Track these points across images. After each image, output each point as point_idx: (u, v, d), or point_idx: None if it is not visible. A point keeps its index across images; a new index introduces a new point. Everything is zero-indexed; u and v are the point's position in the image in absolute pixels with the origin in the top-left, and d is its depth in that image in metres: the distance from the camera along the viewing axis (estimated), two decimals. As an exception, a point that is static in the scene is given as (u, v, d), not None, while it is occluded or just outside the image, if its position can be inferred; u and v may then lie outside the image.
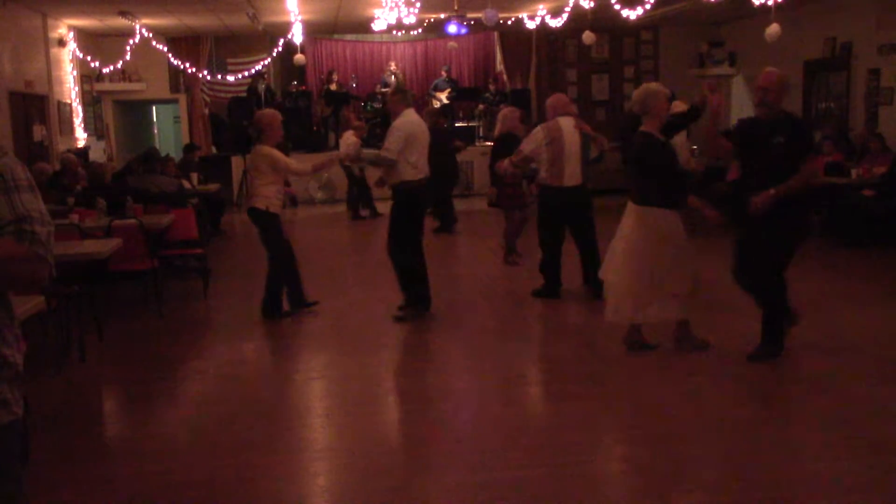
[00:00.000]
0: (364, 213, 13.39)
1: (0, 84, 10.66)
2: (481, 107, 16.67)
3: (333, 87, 16.27)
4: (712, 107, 5.64)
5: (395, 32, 15.79)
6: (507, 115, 9.24)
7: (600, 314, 6.97)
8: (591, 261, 7.33)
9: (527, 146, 7.33)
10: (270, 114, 7.14)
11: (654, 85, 5.79)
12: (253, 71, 15.92)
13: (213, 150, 16.22)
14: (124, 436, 4.92)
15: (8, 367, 2.08)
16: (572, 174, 7.16)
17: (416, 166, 6.67)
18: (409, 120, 6.73)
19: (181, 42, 15.78)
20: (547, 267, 7.54)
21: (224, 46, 16.33)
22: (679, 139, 7.25)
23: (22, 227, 1.96)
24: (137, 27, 13.71)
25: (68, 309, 5.96)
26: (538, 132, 7.27)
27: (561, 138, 7.11)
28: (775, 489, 3.86)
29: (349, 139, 12.37)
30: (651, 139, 5.53)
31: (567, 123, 7.22)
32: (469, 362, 5.94)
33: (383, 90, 16.70)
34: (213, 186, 12.09)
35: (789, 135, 5.26)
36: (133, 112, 17.60)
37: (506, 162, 7.65)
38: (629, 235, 5.60)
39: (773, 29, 9.78)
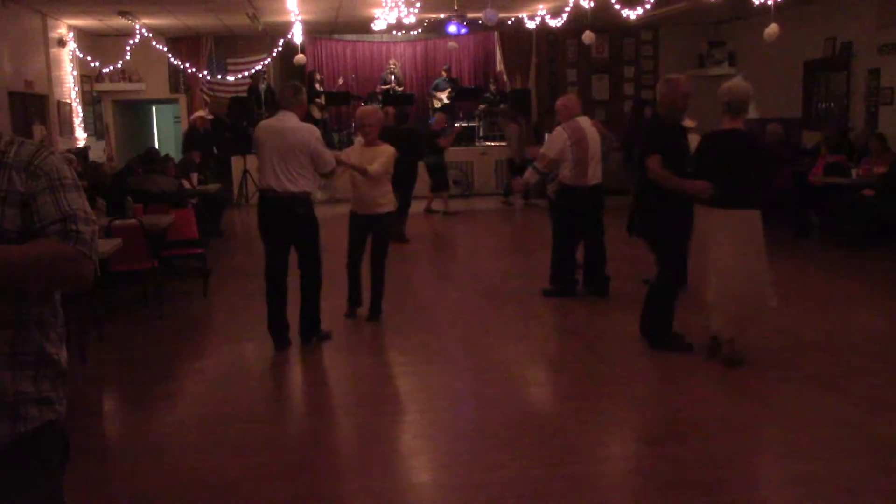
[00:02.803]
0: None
1: (0, 84, 10.66)
2: (482, 107, 16.66)
3: (317, 87, 16.24)
4: None
5: (395, 32, 15.78)
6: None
7: (601, 314, 7.02)
8: (599, 260, 7.44)
9: (551, 150, 7.20)
10: (359, 112, 6.88)
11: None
12: (253, 71, 15.92)
13: (214, 150, 16.20)
14: (124, 435, 4.92)
15: (52, 366, 2.09)
16: (595, 173, 7.21)
17: (262, 173, 6.06)
18: (261, 123, 6.32)
19: (181, 42, 15.78)
20: (565, 265, 7.53)
21: (224, 46, 16.32)
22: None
23: (67, 227, 1.96)
24: (137, 27, 13.72)
25: (68, 309, 5.95)
26: (561, 134, 7.18)
27: (585, 138, 7.12)
28: (775, 489, 3.86)
29: None
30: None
31: (587, 123, 7.29)
32: (469, 362, 5.94)
33: (383, 88, 16.70)
34: (213, 186, 12.09)
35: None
36: (133, 112, 17.61)
37: (527, 173, 7.51)
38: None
39: (772, 29, 9.78)
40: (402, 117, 11.99)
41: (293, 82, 6.46)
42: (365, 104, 16.29)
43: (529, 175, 7.52)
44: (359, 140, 7.12)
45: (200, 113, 15.05)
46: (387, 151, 6.64)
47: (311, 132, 6.02)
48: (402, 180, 11.60)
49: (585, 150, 7.10)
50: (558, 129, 7.28)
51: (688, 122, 7.19)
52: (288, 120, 6.00)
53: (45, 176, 1.99)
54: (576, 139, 7.10)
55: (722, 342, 5.50)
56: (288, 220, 6.03)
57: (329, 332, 6.42)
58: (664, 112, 5.83)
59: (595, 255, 7.49)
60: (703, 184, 5.33)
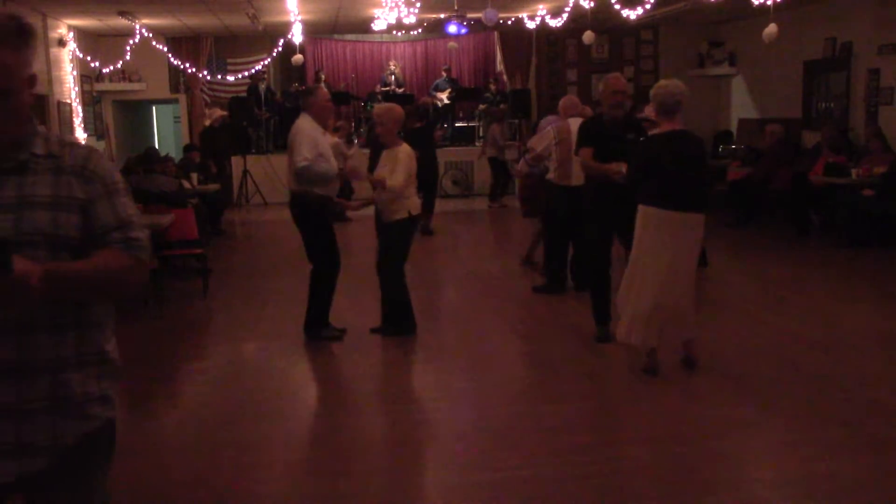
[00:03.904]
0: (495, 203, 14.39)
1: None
2: (482, 107, 16.66)
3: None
4: None
5: (395, 32, 15.78)
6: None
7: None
8: (584, 257, 7.61)
9: (537, 145, 7.62)
10: (374, 110, 6.76)
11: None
12: (253, 71, 15.92)
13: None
14: (124, 435, 4.88)
15: (110, 363, 2.10)
16: (579, 174, 7.25)
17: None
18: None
19: (181, 42, 15.78)
20: (554, 263, 7.78)
21: (224, 46, 16.32)
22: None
23: (126, 235, 1.98)
24: (137, 27, 13.71)
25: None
26: (549, 132, 7.54)
27: (569, 139, 7.26)
28: (775, 489, 3.86)
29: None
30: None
31: (576, 125, 7.32)
32: (469, 362, 5.94)
33: (383, 89, 16.69)
34: (213, 186, 12.09)
35: (637, 133, 6.04)
36: (133, 112, 17.60)
37: (521, 162, 7.93)
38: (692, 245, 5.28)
39: (771, 29, 9.76)
40: (422, 113, 11.80)
41: (311, 85, 6.70)
42: (365, 104, 16.31)
43: (521, 165, 8.20)
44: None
45: (219, 111, 15.04)
46: (403, 154, 6.21)
47: (298, 129, 6.15)
48: (423, 180, 11.46)
49: (568, 151, 7.26)
50: (549, 127, 7.65)
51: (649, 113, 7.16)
52: (297, 121, 6.31)
53: (99, 181, 1.99)
54: (560, 139, 7.35)
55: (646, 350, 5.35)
56: (292, 215, 6.36)
57: (334, 335, 6.43)
58: (602, 110, 6.30)
59: (581, 252, 7.58)
60: (616, 167, 5.59)
